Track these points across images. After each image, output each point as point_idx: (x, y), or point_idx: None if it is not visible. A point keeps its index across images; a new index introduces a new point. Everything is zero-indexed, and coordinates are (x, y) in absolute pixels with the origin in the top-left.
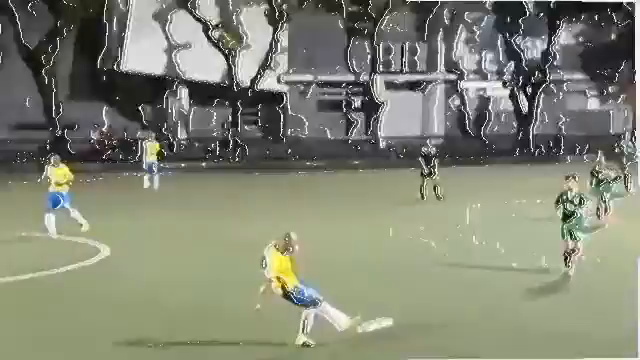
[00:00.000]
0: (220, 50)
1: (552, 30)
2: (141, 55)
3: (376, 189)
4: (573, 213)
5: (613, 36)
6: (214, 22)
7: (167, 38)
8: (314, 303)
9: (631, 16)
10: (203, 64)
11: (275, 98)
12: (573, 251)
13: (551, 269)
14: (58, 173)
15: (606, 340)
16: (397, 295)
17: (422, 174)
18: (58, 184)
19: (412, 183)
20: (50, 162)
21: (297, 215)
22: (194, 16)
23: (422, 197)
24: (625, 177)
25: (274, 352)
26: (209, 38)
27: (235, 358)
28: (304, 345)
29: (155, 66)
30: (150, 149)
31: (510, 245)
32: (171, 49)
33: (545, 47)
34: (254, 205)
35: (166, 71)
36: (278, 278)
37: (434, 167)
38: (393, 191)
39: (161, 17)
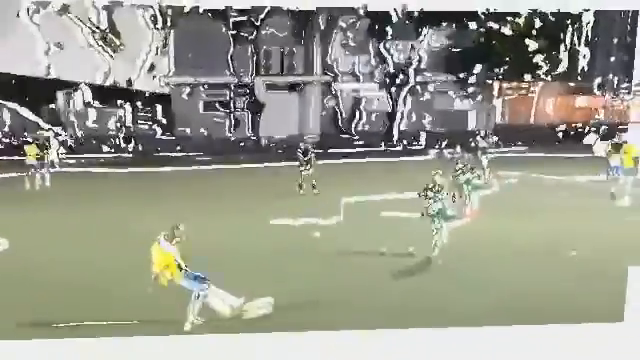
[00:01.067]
0: (110, 53)
1: (417, 35)
2: (14, 56)
3: (258, 183)
4: (438, 204)
5: (471, 41)
6: (103, 26)
7: (47, 40)
8: (202, 288)
9: (485, 23)
10: (95, 67)
11: (166, 99)
12: (439, 239)
13: (417, 254)
14: None
15: (467, 312)
16: (279, 279)
17: (300, 169)
18: None
19: (291, 177)
20: None
21: (186, 207)
22: (79, 19)
23: (300, 190)
24: (485, 172)
25: (165, 329)
26: (100, 41)
27: (133, 333)
28: (192, 324)
29: (33, 68)
30: (29, 151)
31: (380, 233)
32: (49, 50)
33: (412, 50)
34: (146, 199)
35: (60, 74)
36: (167, 267)
37: (310, 161)
38: (274, 185)
39: (43, 19)
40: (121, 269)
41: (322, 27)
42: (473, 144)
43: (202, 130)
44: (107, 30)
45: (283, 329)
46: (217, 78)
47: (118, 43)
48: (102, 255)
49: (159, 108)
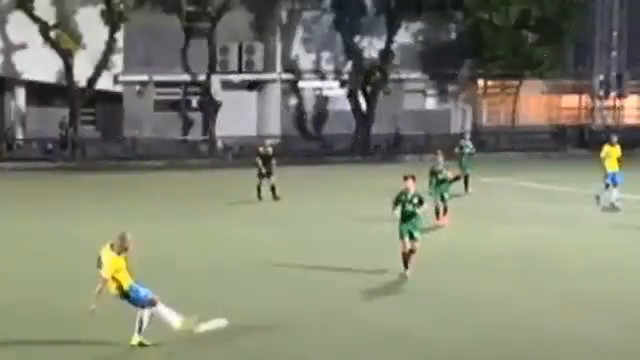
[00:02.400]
0: (57, 50)
1: (391, 29)
2: None
3: (213, 190)
4: (412, 214)
5: (453, 35)
6: (51, 22)
7: (3, 38)
8: (150, 303)
9: (472, 14)
10: (40, 64)
11: (113, 98)
12: (411, 252)
13: (389, 270)
14: None
15: (446, 342)
16: (235, 296)
17: (259, 174)
18: None
19: (249, 183)
20: None
21: (134, 216)
22: (31, 16)
23: (259, 197)
24: (466, 178)
25: (109, 351)
26: (46, 38)
27: (72, 357)
28: (140, 345)
29: None
30: None
31: (348, 245)
32: (8, 49)
33: (384, 46)
34: (92, 206)
35: (2, 71)
36: (113, 278)
37: (271, 168)
38: (230, 192)
39: None
40: (64, 282)
41: (284, 21)
42: (457, 149)
43: (153, 132)
44: (60, 27)
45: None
46: (169, 75)
47: (67, 39)
48: (44, 267)
49: (102, 109)
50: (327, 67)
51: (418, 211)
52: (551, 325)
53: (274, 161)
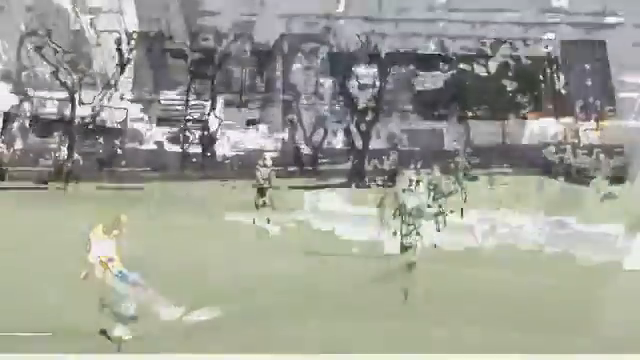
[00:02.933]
0: (64, 86)
1: (382, 76)
2: None
3: (213, 196)
4: (413, 198)
5: (441, 84)
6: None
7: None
8: (133, 318)
9: (456, 66)
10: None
11: (115, 131)
12: (413, 263)
13: (389, 268)
14: None
15: (447, 342)
16: (231, 290)
17: (255, 205)
18: None
19: (248, 192)
20: None
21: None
22: (45, 60)
23: (257, 208)
24: (462, 190)
25: (91, 342)
26: (56, 66)
27: (66, 350)
28: (123, 334)
29: None
30: None
31: (348, 245)
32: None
33: (376, 92)
34: (86, 215)
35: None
36: (101, 262)
37: (268, 197)
38: (229, 198)
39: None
40: (49, 275)
41: (285, 50)
42: (453, 165)
43: (154, 145)
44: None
45: (228, 349)
46: (173, 92)
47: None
48: (31, 263)
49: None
50: (326, 92)
51: (422, 197)
52: (551, 324)
53: (273, 174)
